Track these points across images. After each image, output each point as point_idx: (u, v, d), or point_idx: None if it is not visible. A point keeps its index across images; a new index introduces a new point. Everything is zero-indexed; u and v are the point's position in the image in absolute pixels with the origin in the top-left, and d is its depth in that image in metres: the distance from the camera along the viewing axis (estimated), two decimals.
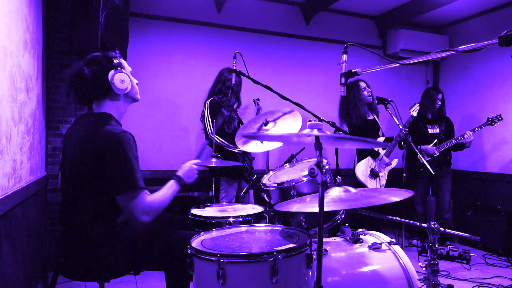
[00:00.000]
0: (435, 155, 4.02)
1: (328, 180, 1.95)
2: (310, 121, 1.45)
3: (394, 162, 3.85)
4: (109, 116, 1.77)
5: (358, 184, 3.73)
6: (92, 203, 1.66)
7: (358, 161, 3.84)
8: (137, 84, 1.91)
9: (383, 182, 3.81)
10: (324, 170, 1.35)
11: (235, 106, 3.51)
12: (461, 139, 3.95)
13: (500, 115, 3.92)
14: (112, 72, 1.74)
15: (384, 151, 3.81)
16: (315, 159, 2.24)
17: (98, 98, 1.79)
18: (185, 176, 1.87)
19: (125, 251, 1.70)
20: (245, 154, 3.52)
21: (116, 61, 1.77)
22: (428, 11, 4.48)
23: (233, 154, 3.38)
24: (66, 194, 1.74)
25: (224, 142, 3.34)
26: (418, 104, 3.81)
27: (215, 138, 3.26)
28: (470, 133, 3.92)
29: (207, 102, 3.38)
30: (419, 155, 3.65)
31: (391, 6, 4.70)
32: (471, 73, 4.89)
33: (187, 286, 1.77)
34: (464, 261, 3.65)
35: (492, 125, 3.93)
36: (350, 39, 4.72)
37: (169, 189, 1.78)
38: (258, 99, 3.84)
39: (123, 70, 1.77)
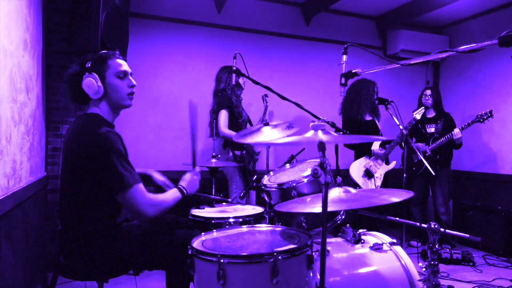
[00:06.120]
0: (426, 154, 3.95)
1: (329, 181, 1.95)
2: (313, 122, 1.44)
3: (393, 164, 3.82)
4: (97, 117, 1.74)
5: (353, 184, 3.69)
6: (88, 203, 1.66)
7: (355, 160, 3.82)
8: (132, 86, 1.79)
9: (378, 183, 3.72)
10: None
11: (239, 92, 3.54)
12: (450, 137, 3.87)
13: (490, 111, 3.75)
14: (84, 76, 1.71)
15: (376, 146, 3.78)
16: (316, 159, 2.25)
17: (86, 99, 1.78)
18: (188, 187, 1.87)
19: (123, 251, 1.70)
20: (249, 155, 3.50)
21: (88, 65, 1.71)
22: (428, 12, 4.49)
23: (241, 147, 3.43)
24: (63, 194, 1.74)
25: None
26: (423, 108, 3.81)
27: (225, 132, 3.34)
28: (458, 130, 3.82)
29: (217, 98, 3.45)
30: (420, 156, 3.57)
31: (391, 6, 4.70)
32: (471, 73, 4.88)
33: (187, 286, 1.77)
34: (471, 264, 3.60)
35: (481, 122, 3.80)
36: (350, 39, 4.71)
37: (172, 194, 1.79)
38: (266, 95, 3.81)
39: (93, 74, 1.69)
